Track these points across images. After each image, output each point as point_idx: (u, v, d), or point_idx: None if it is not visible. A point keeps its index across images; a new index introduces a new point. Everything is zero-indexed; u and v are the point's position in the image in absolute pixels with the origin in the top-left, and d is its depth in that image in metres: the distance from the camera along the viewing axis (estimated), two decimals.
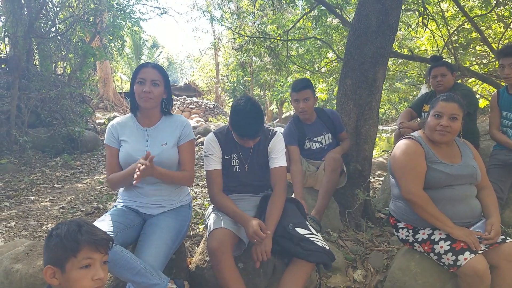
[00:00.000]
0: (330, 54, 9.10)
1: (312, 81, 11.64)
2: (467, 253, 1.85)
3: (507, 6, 6.23)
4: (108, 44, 10.03)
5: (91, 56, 8.39)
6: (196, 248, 2.66)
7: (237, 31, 8.95)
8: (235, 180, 2.30)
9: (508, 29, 6.09)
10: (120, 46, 10.78)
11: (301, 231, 1.97)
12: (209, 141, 2.22)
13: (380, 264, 2.55)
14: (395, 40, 8.80)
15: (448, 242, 1.94)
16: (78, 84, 8.97)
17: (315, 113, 3.12)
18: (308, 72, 10.41)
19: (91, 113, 9.86)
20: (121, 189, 2.20)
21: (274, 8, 8.26)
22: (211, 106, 21.50)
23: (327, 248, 1.94)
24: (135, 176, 1.74)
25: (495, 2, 5.26)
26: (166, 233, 1.95)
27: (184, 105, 21.26)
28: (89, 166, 6.97)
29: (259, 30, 9.06)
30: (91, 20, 8.84)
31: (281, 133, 3.11)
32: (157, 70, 2.07)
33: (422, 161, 2.05)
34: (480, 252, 1.87)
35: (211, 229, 2.01)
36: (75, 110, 8.48)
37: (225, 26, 11.37)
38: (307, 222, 2.12)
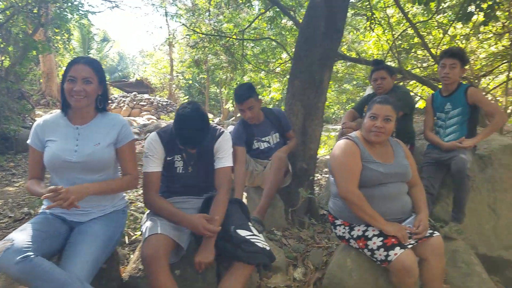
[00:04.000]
0: (284, 55, 9.22)
1: (267, 81, 11.71)
2: (397, 248, 1.94)
3: (446, 14, 6.65)
4: (53, 37, 9.44)
5: (33, 49, 7.82)
6: (132, 256, 2.51)
7: (192, 28, 8.80)
8: (177, 182, 2.23)
9: (446, 35, 6.49)
10: (66, 40, 10.20)
11: (242, 232, 1.96)
12: (151, 141, 2.13)
13: (319, 261, 2.59)
14: (345, 44, 9.11)
15: (381, 238, 2.02)
16: (17, 79, 8.32)
17: (262, 113, 3.13)
18: (263, 71, 10.48)
19: (31, 110, 9.20)
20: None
21: (230, 7, 8.22)
22: (164, 103, 20.94)
23: (267, 248, 1.94)
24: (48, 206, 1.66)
25: (435, 9, 5.57)
26: (95, 241, 1.80)
27: (135, 102, 20.46)
28: (23, 167, 6.37)
29: (215, 28, 8.97)
30: (34, 11, 8.28)
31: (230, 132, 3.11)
32: (89, 66, 1.90)
33: (358, 160, 2.13)
34: (409, 247, 1.96)
35: (146, 236, 1.93)
36: (12, 106, 7.79)
37: (180, 22, 11.13)
38: (249, 223, 2.10)
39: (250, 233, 1.97)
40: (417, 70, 7.59)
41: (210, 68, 12.79)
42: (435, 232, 2.10)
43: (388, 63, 6.91)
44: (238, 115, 21.71)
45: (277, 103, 13.48)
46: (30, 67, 9.23)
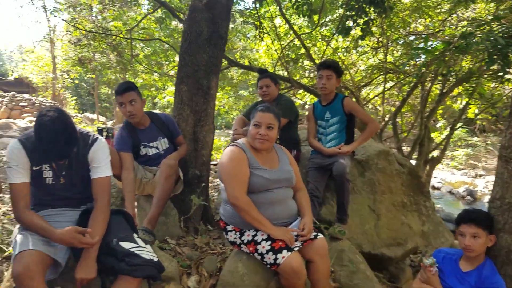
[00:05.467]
0: (178, 58, 9.06)
1: (161, 83, 11.36)
2: (284, 251, 2.02)
3: (328, 27, 7.27)
4: None
5: None
6: (6, 272, 2.27)
7: (73, 24, 8.08)
8: (48, 194, 2.03)
9: (329, 47, 7.07)
10: None
11: (126, 245, 1.88)
12: (13, 150, 1.90)
13: (214, 268, 2.58)
14: (237, 50, 9.34)
15: (269, 242, 2.09)
16: None
17: (147, 117, 3.00)
18: (156, 74, 10.15)
19: None
20: None
21: (115, 4, 7.76)
22: (48, 104, 19.01)
23: (155, 259, 1.89)
24: None
25: (318, 22, 6.05)
26: None
27: (14, 103, 18.33)
28: None
29: (100, 25, 8.38)
30: None
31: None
32: None
33: (246, 167, 2.18)
34: (296, 249, 2.06)
35: (16, 252, 1.74)
36: None
37: (60, 17, 10.18)
38: (134, 235, 2.02)
39: (135, 245, 1.90)
40: (305, 79, 8.13)
41: (97, 68, 11.93)
42: (319, 234, 2.24)
43: (278, 72, 7.29)
44: None
45: (172, 106, 13.22)
46: None
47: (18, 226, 1.99)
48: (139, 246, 1.91)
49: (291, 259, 2.01)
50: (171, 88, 10.82)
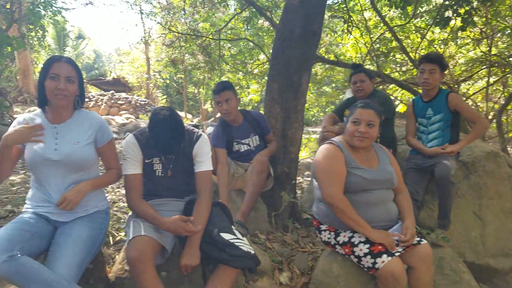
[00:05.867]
0: (262, 56, 9.20)
1: (245, 82, 11.67)
2: (384, 256, 1.92)
3: (423, 18, 6.77)
4: (27, 34, 9.19)
5: (7, 45, 7.59)
6: (117, 256, 2.49)
7: (167, 27, 8.67)
8: (157, 185, 2.19)
9: (424, 39, 6.59)
10: (41, 36, 9.95)
11: (226, 236, 1.95)
12: (129, 144, 2.10)
13: (305, 266, 2.58)
14: (323, 46, 9.17)
15: (367, 245, 2.00)
16: None
17: (241, 115, 3.10)
18: (240, 72, 10.44)
19: (8, 107, 8.98)
20: (29, 194, 2.00)
21: (205, 6, 8.13)
22: (142, 102, 20.66)
23: (252, 252, 1.94)
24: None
25: (412, 14, 5.67)
26: (80, 241, 1.81)
27: (113, 101, 20.14)
28: None
29: (191, 27, 8.87)
30: (7, 7, 7.99)
31: (209, 134, 3.07)
32: (71, 65, 1.90)
33: (342, 165, 2.11)
34: (396, 254, 1.95)
35: (130, 237, 1.90)
36: None
37: (155, 21, 10.99)
38: (232, 227, 2.09)
39: (234, 237, 1.96)
40: (396, 74, 7.69)
41: (187, 68, 12.64)
42: (423, 239, 2.10)
43: (367, 67, 7.00)
44: (218, 115, 21.58)
45: (255, 104, 13.46)
46: (6, 64, 8.98)
47: (130, 213, 2.18)
48: (238, 238, 1.97)
49: (392, 264, 1.90)
50: (255, 87, 11.03)
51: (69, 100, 1.92)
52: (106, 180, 2.08)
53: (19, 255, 1.58)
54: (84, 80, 2.11)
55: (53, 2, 9.40)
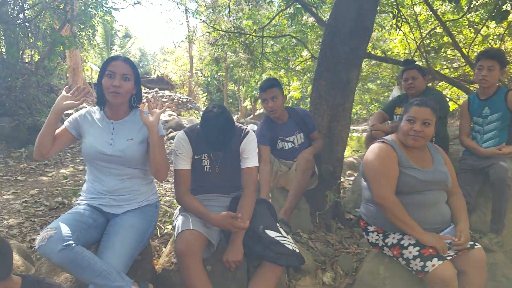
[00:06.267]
0: (305, 53, 9.10)
1: (286, 79, 11.60)
2: (435, 259, 1.85)
3: (478, 12, 6.40)
4: (78, 33, 9.70)
5: (60, 44, 8.08)
6: (164, 248, 2.57)
7: (212, 25, 8.79)
8: (205, 181, 2.23)
9: (479, 34, 6.24)
10: (91, 35, 10.47)
11: (271, 233, 1.95)
12: (180, 140, 2.15)
13: (349, 267, 2.54)
14: (369, 41, 8.91)
15: (417, 248, 1.93)
16: (46, 73, 8.62)
17: (286, 113, 3.08)
18: (282, 69, 10.39)
19: None
20: (84, 186, 2.10)
21: (250, 3, 8.16)
22: (184, 100, 21.16)
23: (297, 251, 1.93)
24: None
25: (466, 7, 5.37)
26: (130, 233, 1.87)
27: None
28: (55, 158, 6.63)
29: (235, 25, 8.94)
30: (61, 7, 8.47)
31: (254, 131, 3.07)
32: (128, 64, 1.97)
33: (395, 165, 2.04)
34: (448, 258, 1.87)
35: (179, 231, 1.95)
36: (42, 100, 8.10)
37: (200, 19, 11.19)
38: (277, 224, 2.09)
39: (279, 234, 1.96)
40: (446, 70, 7.34)
41: (229, 66, 12.76)
42: (476, 244, 2.00)
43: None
44: (256, 113, 21.66)
45: (295, 102, 13.36)
46: (58, 62, 9.50)
47: (179, 207, 2.23)
48: (282, 236, 1.96)
49: (443, 268, 1.82)
50: (296, 84, 10.94)
51: (124, 98, 1.97)
52: (164, 156, 1.98)
53: (74, 244, 1.64)
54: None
55: (104, 2, 9.85)
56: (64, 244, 1.61)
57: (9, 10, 7.86)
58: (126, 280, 1.72)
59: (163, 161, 1.96)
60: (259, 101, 3.22)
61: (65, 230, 1.69)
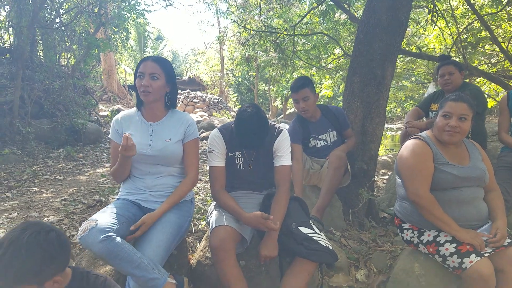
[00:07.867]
0: (337, 50, 9.00)
1: (318, 77, 11.49)
2: (472, 256, 1.82)
3: None
4: (112, 36, 10.01)
5: (95, 47, 8.38)
6: (198, 244, 2.65)
7: (242, 25, 8.87)
8: (238, 178, 2.28)
9: None
10: (124, 38, 10.78)
11: (304, 230, 1.97)
12: (214, 137, 2.21)
13: (383, 265, 2.52)
14: (404, 37, 8.69)
15: (454, 245, 1.91)
16: (81, 76, 8.99)
17: (319, 110, 3.08)
18: (314, 68, 10.31)
19: (95, 105, 9.87)
20: (123, 182, 2.20)
21: (281, 2, 8.16)
22: (215, 100, 21.45)
23: (330, 247, 1.93)
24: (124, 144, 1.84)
25: (506, 0, 5.16)
26: (167, 228, 1.94)
27: (188, 99, 21.25)
28: (91, 158, 6.97)
29: (265, 24, 8.97)
30: (95, 11, 8.81)
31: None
32: (157, 63, 2.03)
33: (430, 162, 2.01)
34: (486, 255, 1.84)
35: (214, 226, 2.00)
36: (78, 101, 8.46)
37: (231, 19, 11.30)
38: (310, 221, 2.10)
39: (312, 231, 1.97)
40: (484, 66, 7.07)
41: (260, 65, 12.79)
42: None
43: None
44: (287, 112, 21.63)
45: (327, 100, 13.23)
46: (93, 65, 9.85)
47: (213, 203, 2.29)
48: (316, 233, 1.98)
49: (481, 265, 1.79)
50: (328, 82, 10.83)
51: (155, 96, 2.03)
52: (181, 194, 2.09)
53: (114, 236, 1.69)
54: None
55: (137, 4, 10.13)
56: (104, 235, 1.66)
57: (46, 15, 8.25)
58: (163, 272, 1.77)
59: (186, 193, 2.13)
60: (290, 100, 3.23)
61: (106, 221, 1.75)
